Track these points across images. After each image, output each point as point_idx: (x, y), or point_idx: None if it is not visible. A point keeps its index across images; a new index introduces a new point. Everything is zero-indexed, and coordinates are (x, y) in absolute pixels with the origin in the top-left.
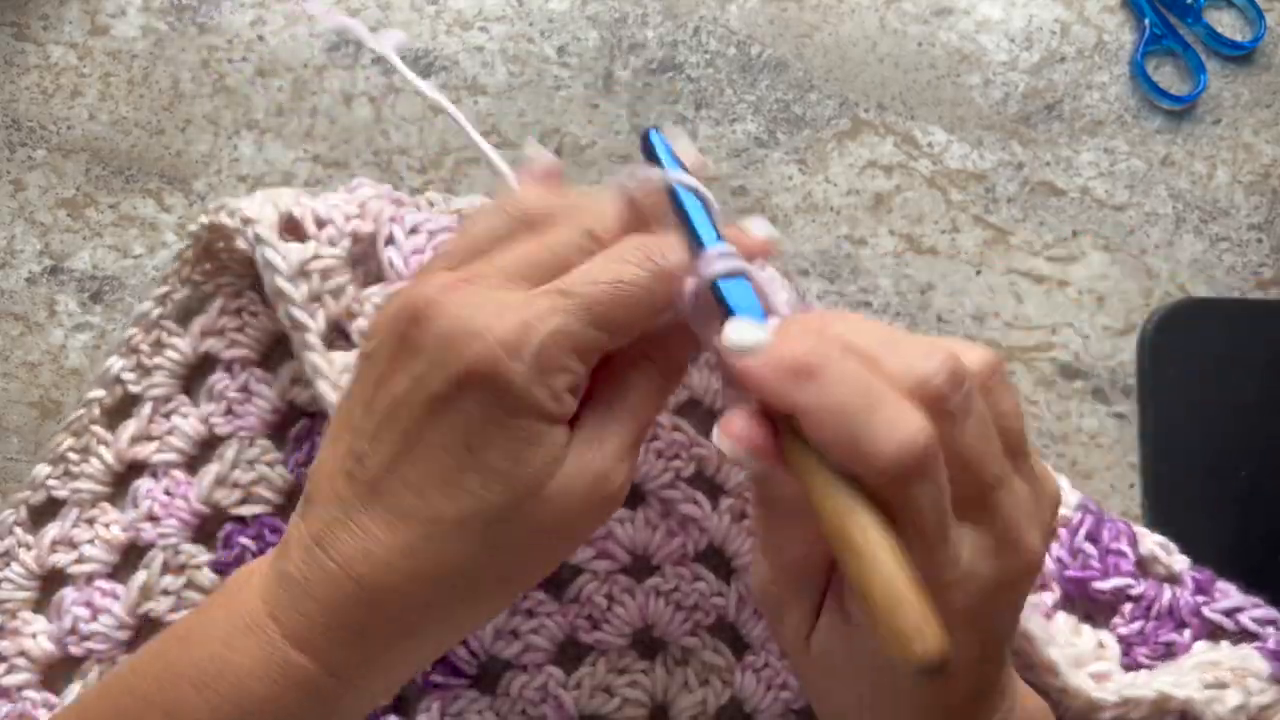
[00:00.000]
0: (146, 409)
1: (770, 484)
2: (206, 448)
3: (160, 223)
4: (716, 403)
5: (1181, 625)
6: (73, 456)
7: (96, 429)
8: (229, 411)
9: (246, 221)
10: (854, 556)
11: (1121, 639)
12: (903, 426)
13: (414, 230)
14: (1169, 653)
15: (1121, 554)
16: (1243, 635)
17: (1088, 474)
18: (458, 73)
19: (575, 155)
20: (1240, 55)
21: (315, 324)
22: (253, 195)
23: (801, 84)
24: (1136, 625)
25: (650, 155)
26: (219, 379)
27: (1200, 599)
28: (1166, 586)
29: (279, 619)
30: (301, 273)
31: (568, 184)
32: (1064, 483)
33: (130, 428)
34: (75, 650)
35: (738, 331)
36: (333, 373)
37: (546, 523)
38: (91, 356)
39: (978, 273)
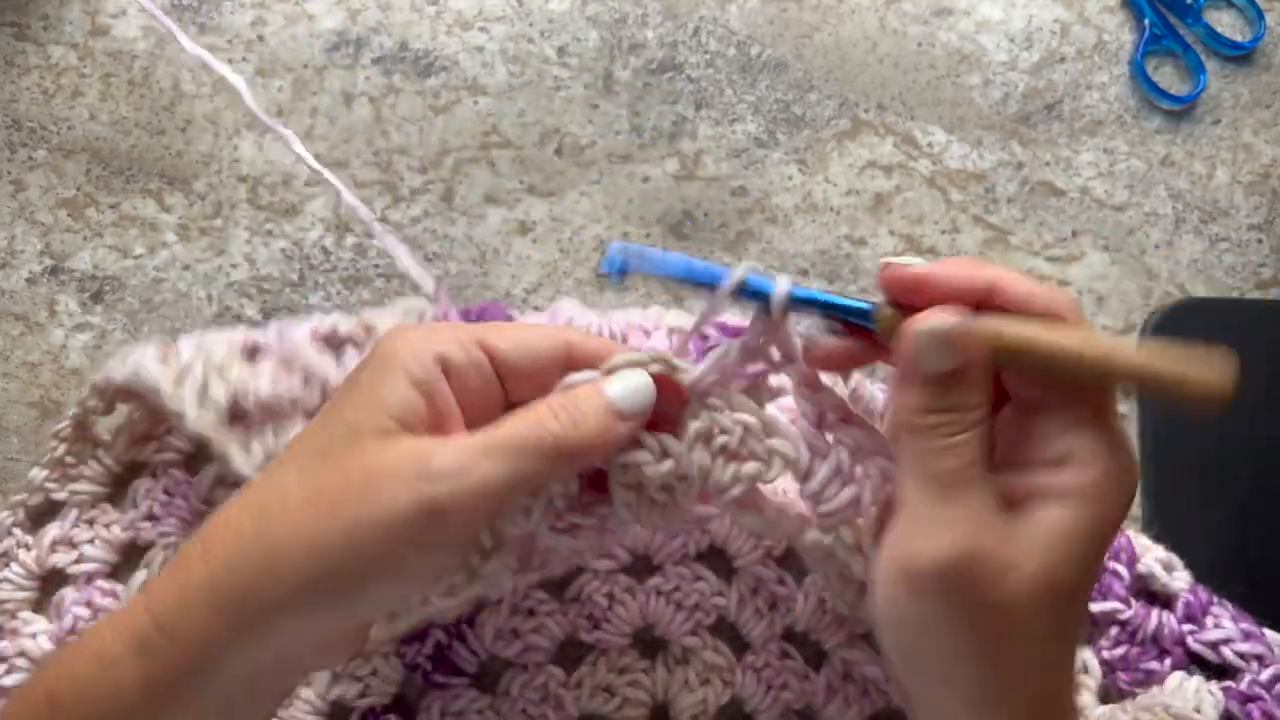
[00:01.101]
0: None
1: (944, 391)
2: (205, 447)
3: (160, 223)
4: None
5: (1163, 654)
6: (69, 460)
7: (96, 432)
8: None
9: (188, 426)
10: (1101, 358)
11: (1104, 662)
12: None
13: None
14: (1148, 680)
15: (1117, 575)
16: (1224, 670)
17: None
18: (458, 73)
19: (575, 155)
20: (1240, 55)
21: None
22: (182, 374)
23: (801, 84)
24: (1120, 650)
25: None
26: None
27: (1188, 627)
28: (1155, 612)
29: (141, 602)
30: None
31: (566, 184)
32: None
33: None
34: None
35: (894, 259)
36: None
37: (355, 473)
38: (92, 356)
39: None
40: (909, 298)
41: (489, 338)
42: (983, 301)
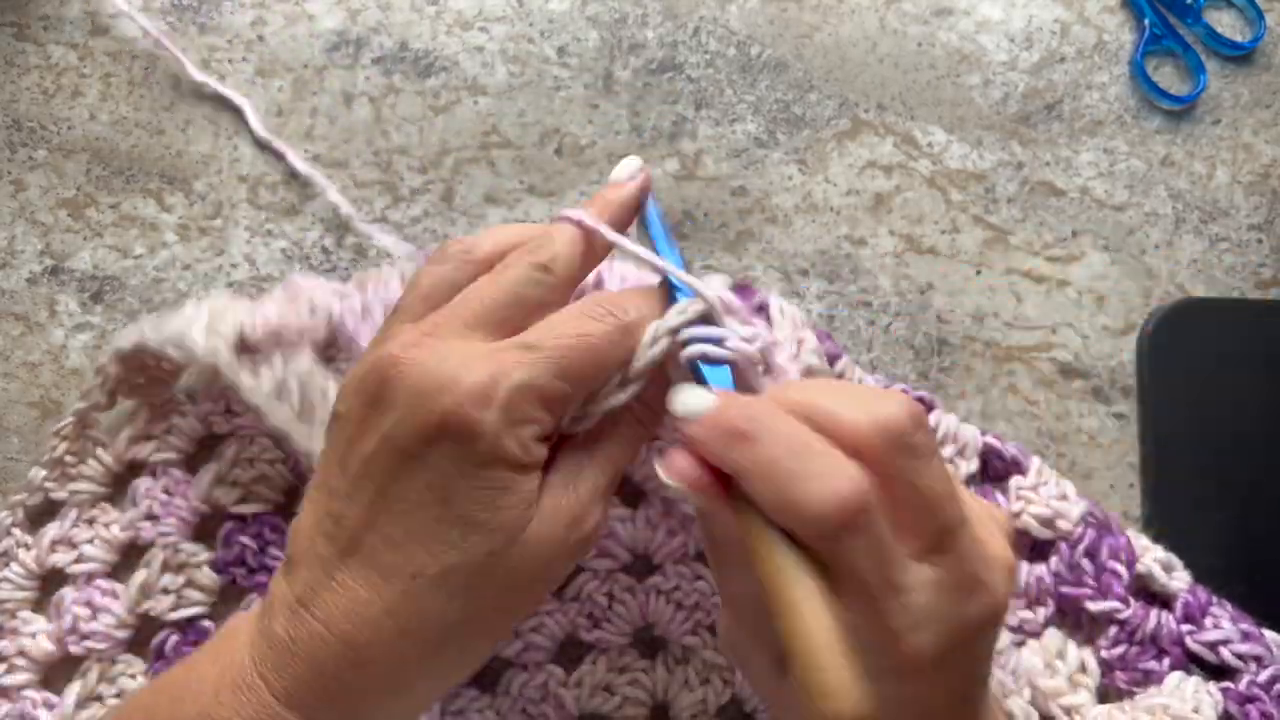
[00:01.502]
0: (144, 411)
1: (715, 523)
2: (204, 447)
3: (160, 223)
4: None
5: (1162, 654)
6: (69, 459)
7: (92, 433)
8: (229, 410)
9: (199, 357)
10: (781, 612)
11: (1103, 661)
12: (834, 481)
13: (366, 311)
14: (1146, 680)
15: (1116, 574)
16: (1223, 670)
17: (1088, 474)
18: (458, 73)
19: (575, 155)
20: (1240, 55)
21: (319, 430)
22: (189, 320)
23: (801, 84)
24: (1119, 650)
25: None
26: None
27: (1186, 628)
28: (1154, 612)
29: (267, 678)
30: (279, 394)
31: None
32: (1069, 492)
33: (128, 429)
34: (75, 650)
35: (682, 400)
36: None
37: (525, 568)
38: (92, 356)
39: (978, 273)
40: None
41: (560, 389)
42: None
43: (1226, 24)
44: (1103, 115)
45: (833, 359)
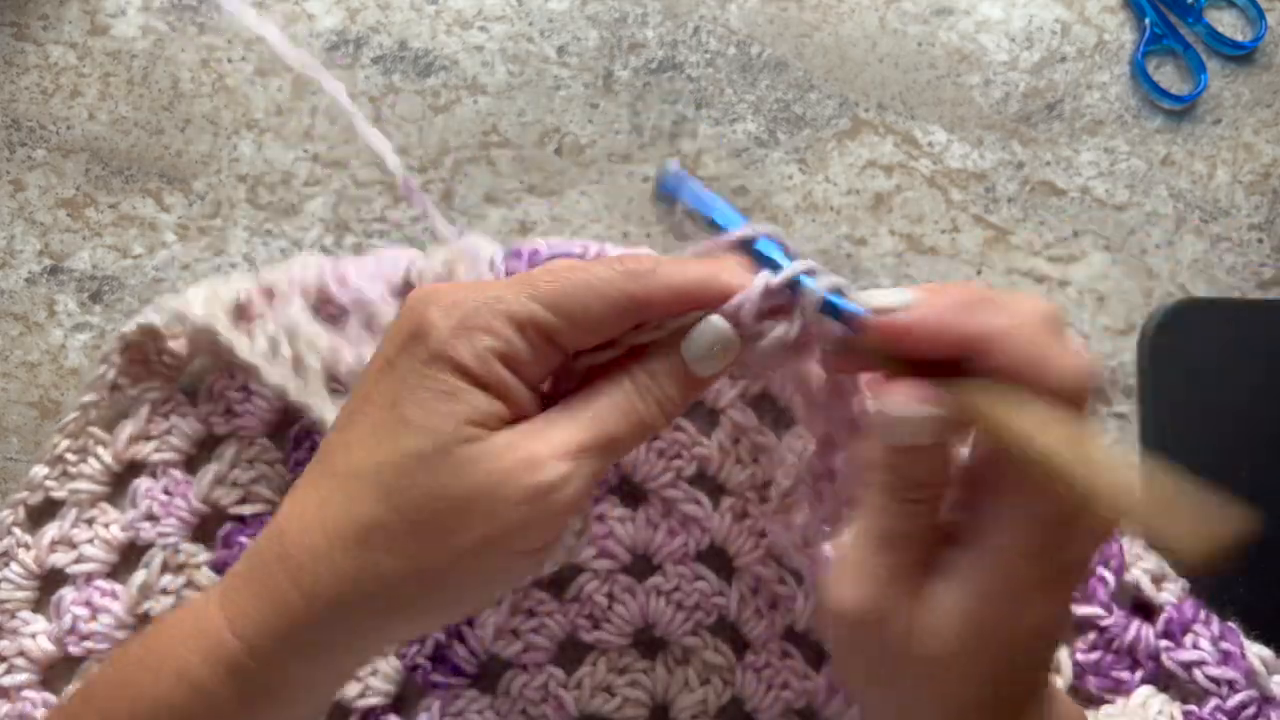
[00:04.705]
0: (144, 410)
1: (910, 462)
2: (204, 447)
3: (160, 223)
4: (719, 402)
5: (1136, 665)
6: (70, 458)
7: (94, 430)
8: (229, 411)
9: (197, 325)
10: (1061, 445)
11: (1077, 664)
12: (1079, 353)
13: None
14: (1117, 689)
15: (1103, 580)
16: (1194, 690)
17: None
18: (458, 72)
19: (575, 155)
20: (1241, 55)
21: (314, 383)
22: (187, 297)
23: (801, 84)
24: (1095, 655)
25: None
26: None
27: (1164, 644)
28: (1136, 623)
29: (220, 583)
30: (273, 352)
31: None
32: None
33: (128, 427)
34: (75, 650)
35: (884, 295)
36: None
37: (455, 489)
38: (91, 356)
39: (978, 273)
40: (897, 347)
41: (537, 314)
42: (977, 354)
43: (1227, 23)
44: (1103, 115)
45: None
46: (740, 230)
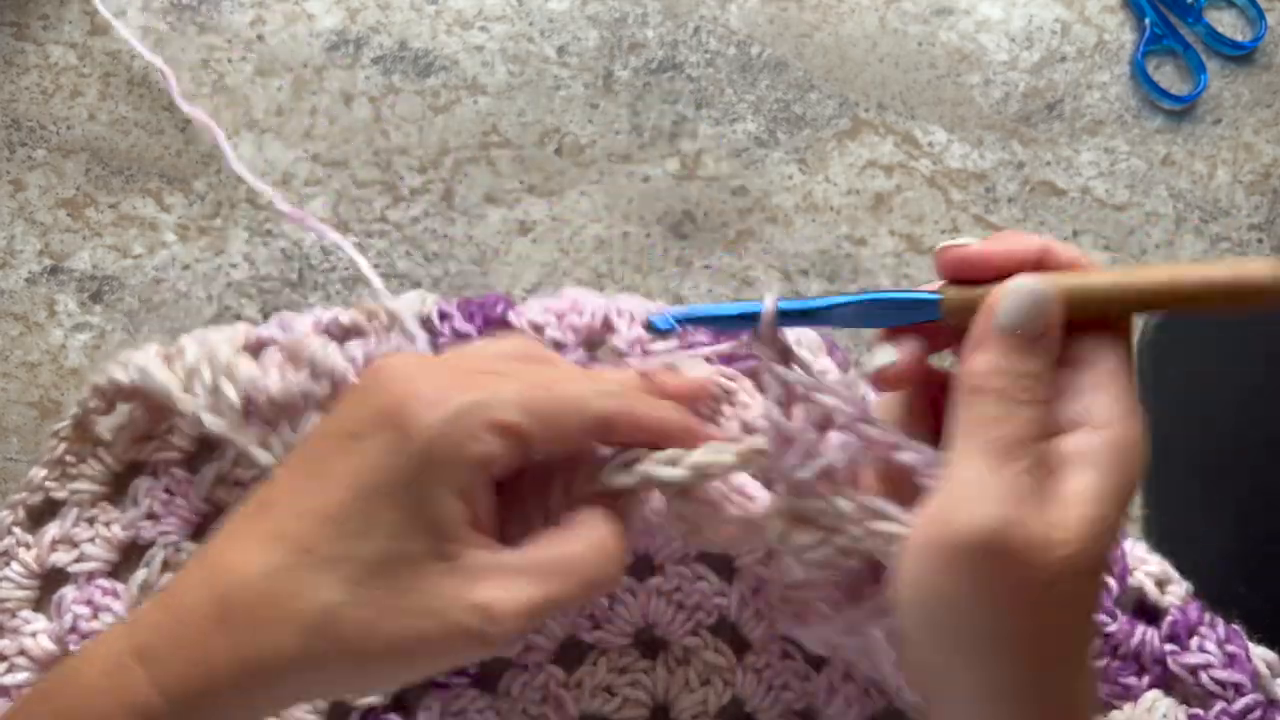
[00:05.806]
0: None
1: (1023, 357)
2: (205, 446)
3: (160, 223)
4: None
5: (1142, 670)
6: (70, 459)
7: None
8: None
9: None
10: (1185, 278)
11: None
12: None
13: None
14: (1124, 694)
15: (1105, 586)
16: (1200, 693)
17: None
18: (458, 73)
19: (575, 155)
20: (1240, 55)
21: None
22: (174, 359)
23: (801, 84)
24: (1101, 662)
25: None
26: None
27: (1170, 648)
28: (1140, 628)
29: (134, 631)
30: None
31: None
32: None
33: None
34: (75, 649)
35: (957, 242)
36: None
37: (411, 630)
38: (91, 356)
39: None
40: (968, 275)
41: (521, 424)
42: (1038, 267)
43: (1227, 24)
44: (1103, 115)
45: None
46: (763, 304)
